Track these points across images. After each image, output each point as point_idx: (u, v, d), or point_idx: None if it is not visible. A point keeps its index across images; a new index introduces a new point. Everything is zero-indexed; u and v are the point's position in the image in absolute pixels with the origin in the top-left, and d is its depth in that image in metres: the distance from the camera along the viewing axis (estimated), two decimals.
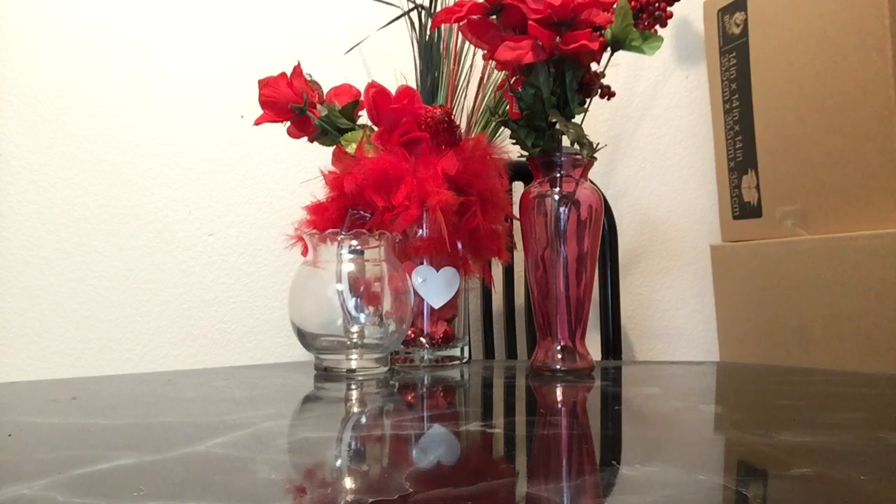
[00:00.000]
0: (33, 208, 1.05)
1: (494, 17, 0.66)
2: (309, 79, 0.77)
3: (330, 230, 0.69)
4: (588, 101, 0.68)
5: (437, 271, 0.74)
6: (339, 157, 0.75)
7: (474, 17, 0.66)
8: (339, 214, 0.74)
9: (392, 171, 0.70)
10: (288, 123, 0.78)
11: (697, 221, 1.16)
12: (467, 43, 0.92)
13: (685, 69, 1.16)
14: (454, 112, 0.80)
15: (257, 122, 0.76)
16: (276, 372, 0.73)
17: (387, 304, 0.68)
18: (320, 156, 0.79)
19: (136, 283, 1.06)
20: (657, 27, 0.66)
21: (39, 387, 0.63)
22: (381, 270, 0.68)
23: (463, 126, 0.88)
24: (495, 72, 0.94)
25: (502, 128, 0.81)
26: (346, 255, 0.68)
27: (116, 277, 1.06)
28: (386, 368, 0.68)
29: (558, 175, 0.67)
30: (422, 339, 0.74)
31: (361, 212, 0.73)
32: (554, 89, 0.66)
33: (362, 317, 0.68)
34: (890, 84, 0.75)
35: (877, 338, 0.77)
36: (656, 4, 0.65)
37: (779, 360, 0.91)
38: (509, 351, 1.01)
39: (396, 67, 1.00)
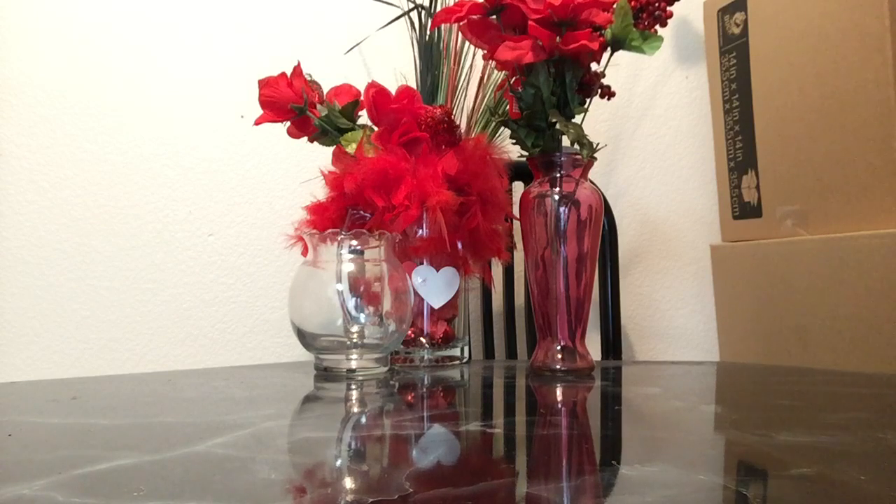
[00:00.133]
0: (33, 208, 1.05)
1: (494, 17, 0.66)
2: (309, 79, 0.77)
3: (330, 230, 0.69)
4: (588, 101, 0.68)
5: (437, 271, 0.74)
6: (339, 157, 0.75)
7: (474, 17, 0.66)
8: (339, 214, 0.74)
9: (392, 171, 0.70)
10: (288, 123, 0.78)
11: (697, 221, 1.16)
12: (467, 43, 0.92)
13: (685, 69, 1.16)
14: (454, 112, 0.80)
15: (257, 122, 0.76)
16: (276, 372, 0.73)
17: (387, 304, 0.68)
18: (320, 156, 0.79)
19: (136, 283, 1.06)
20: (657, 27, 0.66)
21: (39, 387, 0.63)
22: (381, 270, 0.68)
23: (463, 126, 0.88)
24: (495, 72, 0.94)
25: (502, 128, 0.81)
26: (346, 255, 0.68)
27: (116, 277, 1.06)
28: (386, 368, 0.68)
29: (558, 175, 0.67)
30: (422, 339, 0.74)
31: (361, 212, 0.73)
32: (554, 89, 0.66)
33: (362, 317, 0.68)
34: (890, 84, 0.75)
35: (877, 338, 0.77)
36: (656, 4, 0.65)
37: (779, 360, 0.91)
38: (509, 351, 1.01)
39: (396, 67, 1.00)
